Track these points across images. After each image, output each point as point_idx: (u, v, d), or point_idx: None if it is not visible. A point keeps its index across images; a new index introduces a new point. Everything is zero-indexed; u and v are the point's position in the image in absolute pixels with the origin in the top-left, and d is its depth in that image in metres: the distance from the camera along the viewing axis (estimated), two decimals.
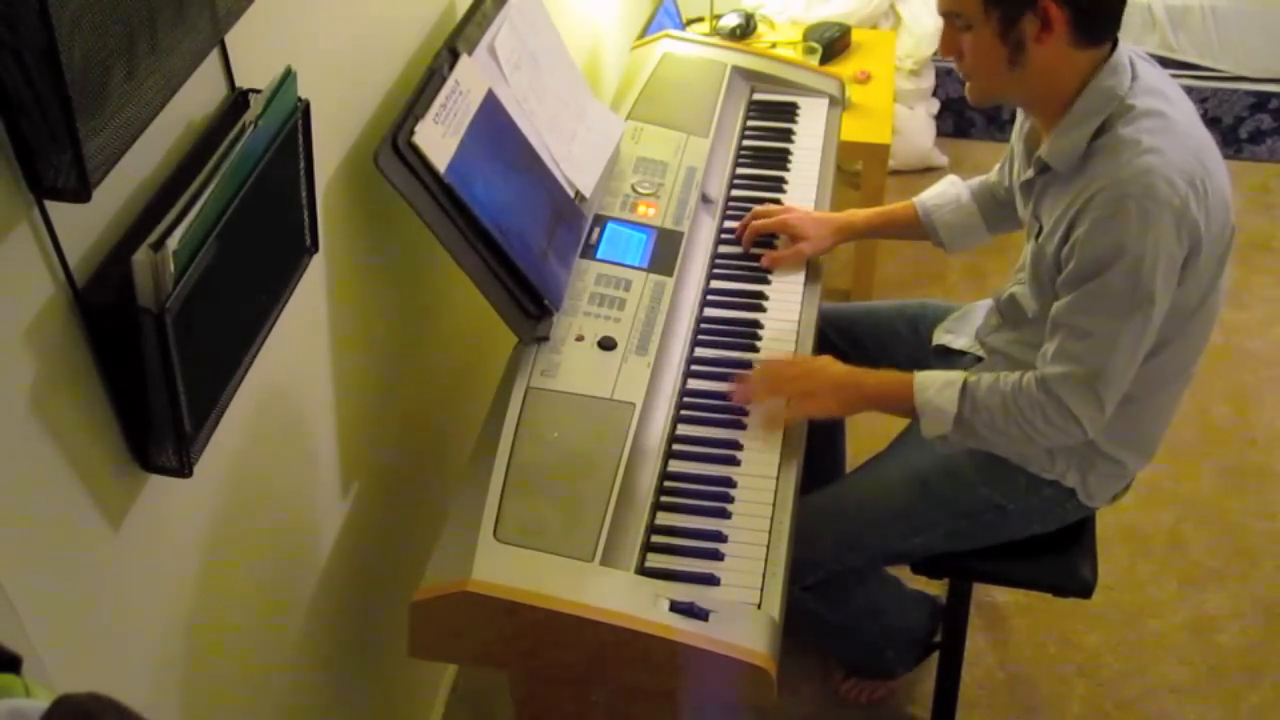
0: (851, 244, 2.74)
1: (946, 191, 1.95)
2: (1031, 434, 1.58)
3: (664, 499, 1.50)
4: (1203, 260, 1.50)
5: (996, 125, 3.65)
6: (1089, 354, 1.51)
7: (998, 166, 1.90)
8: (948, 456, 1.77)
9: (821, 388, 1.65)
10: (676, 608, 1.34)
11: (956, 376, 1.62)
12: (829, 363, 1.69)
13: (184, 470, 1.07)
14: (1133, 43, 1.61)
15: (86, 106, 0.84)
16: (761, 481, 1.53)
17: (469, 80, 1.57)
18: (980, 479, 1.74)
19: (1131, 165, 1.44)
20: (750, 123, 2.17)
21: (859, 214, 2.00)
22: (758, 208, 1.94)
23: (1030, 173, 1.62)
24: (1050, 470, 1.72)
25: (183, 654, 1.22)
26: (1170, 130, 1.47)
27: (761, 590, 1.40)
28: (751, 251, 1.90)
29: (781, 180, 2.07)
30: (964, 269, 3.15)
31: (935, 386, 1.61)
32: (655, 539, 1.45)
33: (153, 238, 0.94)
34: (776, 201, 2.01)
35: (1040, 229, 1.59)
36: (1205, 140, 1.53)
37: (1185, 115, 1.53)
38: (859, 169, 3.15)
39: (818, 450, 1.84)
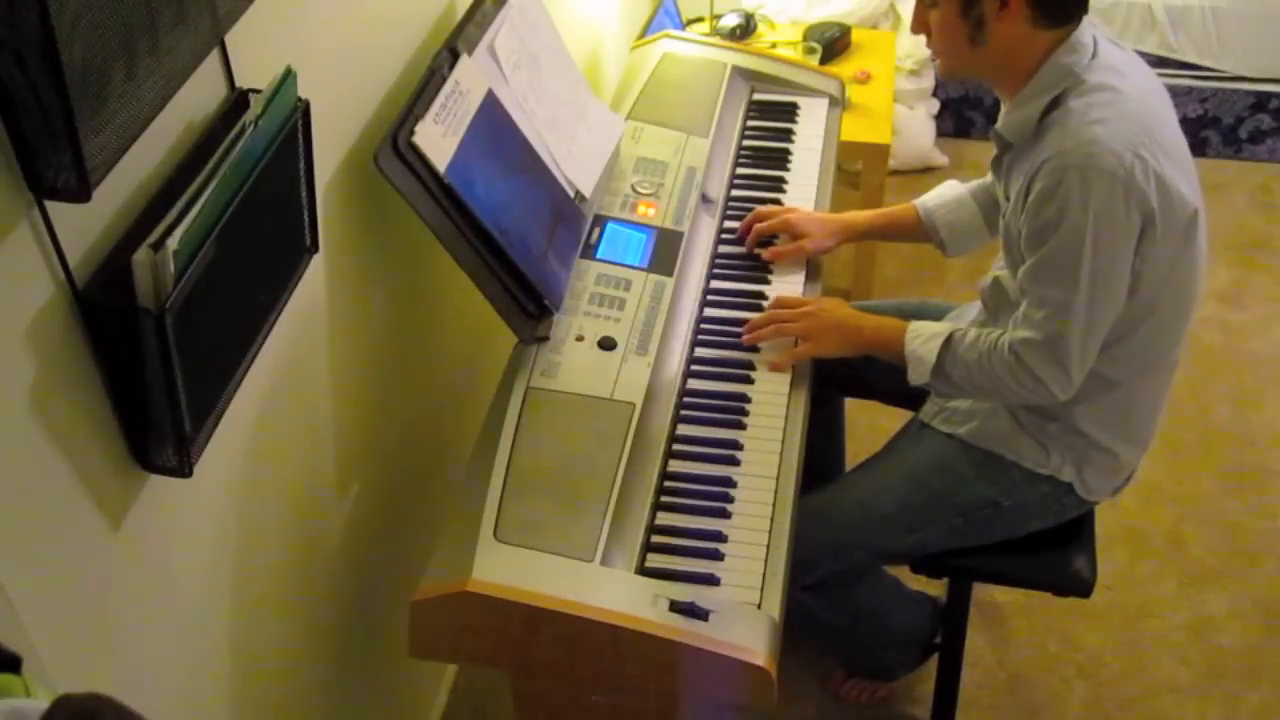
0: (852, 244, 2.75)
1: (947, 193, 1.96)
2: (1003, 391, 1.64)
3: (664, 499, 1.50)
4: (1160, 232, 1.52)
5: None
6: (1047, 321, 1.56)
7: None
8: (944, 454, 1.78)
9: (823, 327, 1.72)
10: (676, 608, 1.34)
11: (944, 329, 1.68)
12: (834, 305, 1.77)
13: (184, 470, 1.07)
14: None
15: (86, 106, 0.83)
16: (761, 481, 1.53)
17: (469, 80, 1.57)
18: (976, 476, 1.75)
19: (1077, 135, 1.49)
20: (750, 123, 2.17)
21: (860, 215, 2.00)
22: (759, 209, 1.94)
23: (996, 150, 1.67)
24: (1046, 465, 1.73)
25: (182, 654, 1.23)
26: (1119, 103, 1.51)
27: (761, 590, 1.40)
28: (753, 251, 1.91)
29: (781, 180, 2.07)
30: (964, 269, 3.15)
31: (923, 337, 1.68)
32: (655, 539, 1.45)
33: (153, 238, 0.94)
34: (776, 202, 2.01)
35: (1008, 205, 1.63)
36: (1160, 115, 1.56)
37: (1139, 91, 1.56)
38: (859, 169, 3.15)
39: (818, 450, 1.85)
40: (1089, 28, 1.55)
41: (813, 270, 1.90)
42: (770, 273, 1.88)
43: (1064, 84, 1.53)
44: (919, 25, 1.61)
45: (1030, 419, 1.72)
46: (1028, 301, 1.58)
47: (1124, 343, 1.62)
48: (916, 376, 1.68)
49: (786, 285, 1.86)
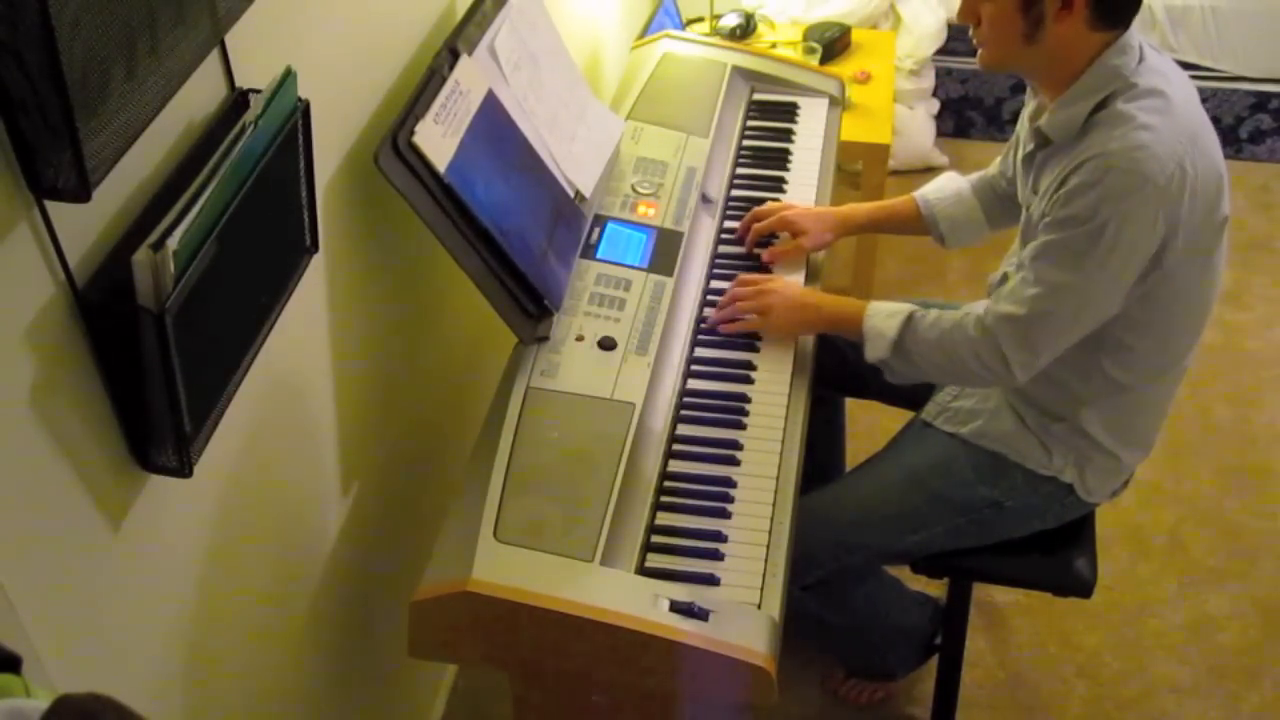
0: (851, 243, 2.75)
1: (947, 186, 1.96)
2: (960, 370, 1.64)
3: (664, 499, 1.50)
4: (1182, 243, 1.51)
5: (996, 125, 3.65)
6: (1036, 300, 1.55)
7: (998, 159, 1.91)
8: (946, 455, 1.78)
9: (778, 305, 1.72)
10: (676, 608, 1.34)
11: (906, 308, 1.68)
12: (794, 284, 1.78)
13: (184, 470, 1.07)
14: None
15: (86, 106, 0.84)
16: (761, 481, 1.53)
17: (469, 80, 1.57)
18: (978, 477, 1.75)
19: (1124, 139, 1.47)
20: (750, 123, 2.17)
21: (859, 208, 2.00)
22: (757, 208, 1.94)
23: (1031, 146, 1.65)
24: (1048, 466, 1.73)
25: (183, 654, 1.23)
26: (1168, 111, 1.50)
27: (761, 590, 1.40)
28: (753, 251, 1.91)
29: (781, 180, 2.07)
30: (964, 269, 3.15)
31: (883, 314, 1.68)
32: (655, 539, 1.45)
33: (153, 238, 0.94)
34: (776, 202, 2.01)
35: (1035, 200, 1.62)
36: (1202, 126, 1.55)
37: (1184, 99, 1.55)
38: (859, 169, 3.15)
39: (818, 450, 1.85)
40: (1136, 31, 1.55)
41: (813, 268, 1.90)
42: (771, 271, 1.88)
43: (1113, 86, 1.52)
44: (968, 13, 1.59)
45: (1035, 419, 1.72)
46: (1021, 278, 1.57)
47: (1140, 347, 1.61)
48: (874, 351, 1.67)
49: None
